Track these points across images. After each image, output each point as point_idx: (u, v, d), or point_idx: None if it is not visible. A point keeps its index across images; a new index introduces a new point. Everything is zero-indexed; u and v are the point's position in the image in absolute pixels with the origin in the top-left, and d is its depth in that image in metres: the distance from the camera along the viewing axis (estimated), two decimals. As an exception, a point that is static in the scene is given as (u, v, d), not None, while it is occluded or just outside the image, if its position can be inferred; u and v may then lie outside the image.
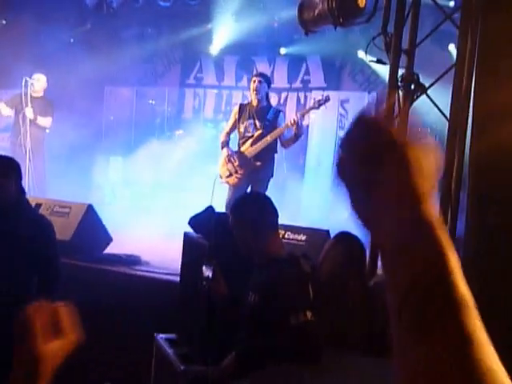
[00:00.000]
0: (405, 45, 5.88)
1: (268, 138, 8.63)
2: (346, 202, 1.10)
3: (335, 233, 5.31)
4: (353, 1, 5.96)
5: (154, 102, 14.02)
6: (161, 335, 5.54)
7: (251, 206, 4.30)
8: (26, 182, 10.22)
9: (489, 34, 5.39)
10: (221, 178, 8.93)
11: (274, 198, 8.58)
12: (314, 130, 12.27)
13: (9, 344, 5.04)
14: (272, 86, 9.62)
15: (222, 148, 9.00)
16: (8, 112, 11.27)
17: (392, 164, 1.02)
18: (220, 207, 6.71)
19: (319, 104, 8.82)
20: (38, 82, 11.26)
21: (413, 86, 5.67)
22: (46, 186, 11.40)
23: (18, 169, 5.28)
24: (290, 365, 3.63)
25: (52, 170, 11.69)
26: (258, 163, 8.69)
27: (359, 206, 1.08)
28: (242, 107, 9.07)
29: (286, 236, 7.11)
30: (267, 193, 8.49)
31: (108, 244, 8.20)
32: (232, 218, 4.27)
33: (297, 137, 8.64)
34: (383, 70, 8.93)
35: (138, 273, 7.59)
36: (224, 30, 13.15)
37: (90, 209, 8.09)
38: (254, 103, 8.84)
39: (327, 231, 7.02)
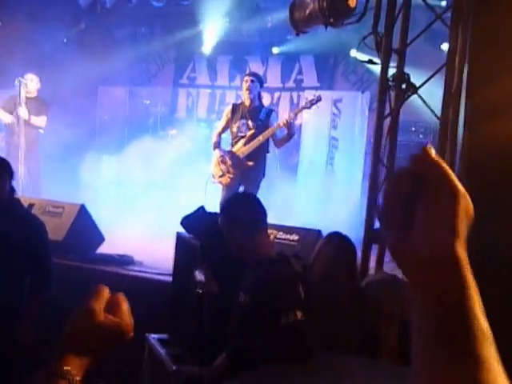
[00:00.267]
0: (397, 44, 5.90)
1: (260, 138, 8.63)
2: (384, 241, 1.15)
3: (327, 233, 5.33)
4: (343, 1, 5.95)
5: (148, 102, 14.01)
6: (153, 335, 5.54)
7: (240, 206, 4.30)
8: (19, 182, 10.23)
9: (480, 32, 5.41)
10: (213, 177, 8.94)
11: (267, 197, 8.68)
12: (307, 130, 12.27)
13: (2, 343, 5.01)
14: (265, 85, 9.63)
15: (214, 148, 9.00)
16: (8, 119, 11.21)
17: (440, 195, 1.06)
18: (213, 207, 6.70)
19: (311, 104, 8.82)
20: (32, 82, 11.25)
21: (404, 86, 5.68)
22: (40, 185, 11.39)
23: (9, 169, 5.28)
24: (280, 365, 3.63)
25: (45, 169, 11.67)
26: (250, 163, 8.69)
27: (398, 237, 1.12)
28: (234, 107, 9.07)
29: (279, 236, 7.12)
30: (259, 192, 8.52)
31: (101, 244, 8.18)
32: (221, 218, 4.27)
33: (289, 136, 8.64)
34: (376, 70, 8.94)
35: (131, 273, 7.58)
36: (217, 30, 13.18)
37: (82, 209, 8.08)
38: (247, 103, 8.84)
39: (319, 231, 7.03)
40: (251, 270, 4.07)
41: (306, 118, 11.99)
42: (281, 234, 7.17)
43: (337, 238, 5.01)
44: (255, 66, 13.34)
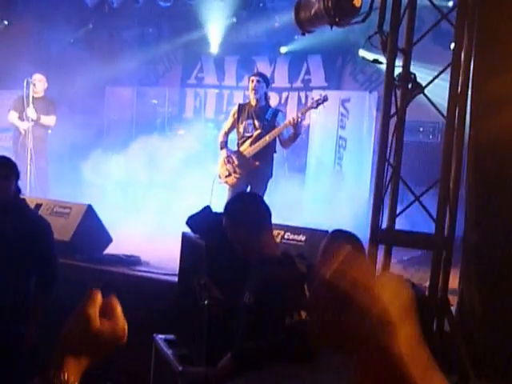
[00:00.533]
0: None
1: (267, 138, 8.63)
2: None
3: (331, 231, 5.31)
4: (349, 0, 5.94)
5: (156, 102, 14.02)
6: (160, 336, 5.54)
7: (244, 206, 4.29)
8: (27, 183, 10.26)
9: (485, 31, 5.40)
10: (220, 178, 8.94)
11: (275, 197, 8.67)
12: (315, 130, 12.26)
13: (9, 342, 5.02)
14: (273, 85, 9.62)
15: (221, 148, 9.01)
16: (24, 126, 11.22)
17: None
18: (219, 207, 6.70)
19: (317, 103, 8.79)
20: (39, 83, 11.30)
21: (410, 85, 5.66)
22: (48, 186, 11.42)
23: (16, 169, 5.30)
24: (285, 365, 3.62)
25: (53, 169, 11.71)
26: (257, 163, 8.69)
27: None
28: (240, 107, 9.06)
29: (286, 236, 7.10)
30: (267, 192, 8.51)
31: (108, 244, 8.19)
32: (226, 218, 4.27)
33: (295, 136, 8.62)
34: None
35: (138, 273, 7.58)
36: (224, 30, 13.18)
37: (89, 209, 8.09)
38: (253, 103, 8.84)
39: (327, 231, 7.00)
40: (256, 270, 4.06)
41: (313, 118, 11.98)
42: (288, 235, 7.15)
43: (343, 235, 5.01)
44: (263, 66, 13.34)
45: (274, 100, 12.50)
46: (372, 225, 5.90)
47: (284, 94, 13.50)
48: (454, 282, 5.86)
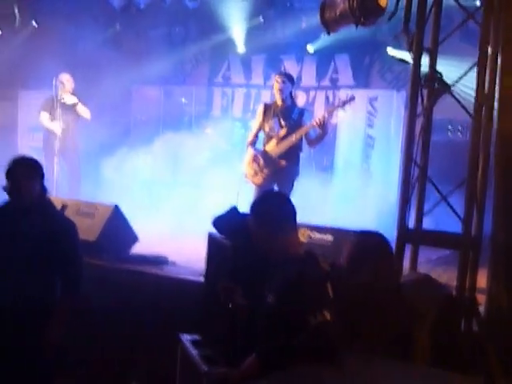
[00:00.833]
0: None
1: (293, 138, 8.62)
2: None
3: (357, 232, 5.30)
4: (374, 0, 5.92)
5: (185, 101, 14.04)
6: (186, 336, 5.54)
7: (270, 205, 4.27)
8: (54, 183, 10.31)
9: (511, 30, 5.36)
10: (246, 177, 8.94)
11: (302, 196, 8.65)
12: (343, 129, 12.23)
13: (36, 342, 5.06)
14: (300, 84, 9.58)
15: (248, 147, 9.01)
16: (58, 128, 11.28)
17: None
18: (246, 207, 6.69)
19: (343, 103, 8.74)
20: (68, 83, 11.36)
21: (436, 85, 5.63)
22: (80, 186, 11.46)
23: (40, 170, 5.30)
24: (309, 365, 3.61)
25: (81, 169, 11.77)
26: (283, 162, 8.69)
27: None
28: (266, 106, 9.04)
29: (312, 236, 7.07)
30: (293, 192, 8.49)
31: (134, 243, 8.20)
32: (251, 216, 4.25)
33: (322, 136, 8.61)
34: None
35: (164, 273, 7.59)
36: (251, 30, 13.18)
37: (116, 209, 8.11)
38: (279, 103, 8.82)
39: (354, 231, 6.96)
40: (279, 270, 4.04)
41: (341, 117, 11.93)
42: (314, 234, 7.12)
43: (371, 235, 5.00)
44: (290, 65, 13.33)
45: (301, 99, 12.47)
46: (399, 224, 5.89)
47: (311, 93, 13.45)
48: (482, 281, 5.83)
